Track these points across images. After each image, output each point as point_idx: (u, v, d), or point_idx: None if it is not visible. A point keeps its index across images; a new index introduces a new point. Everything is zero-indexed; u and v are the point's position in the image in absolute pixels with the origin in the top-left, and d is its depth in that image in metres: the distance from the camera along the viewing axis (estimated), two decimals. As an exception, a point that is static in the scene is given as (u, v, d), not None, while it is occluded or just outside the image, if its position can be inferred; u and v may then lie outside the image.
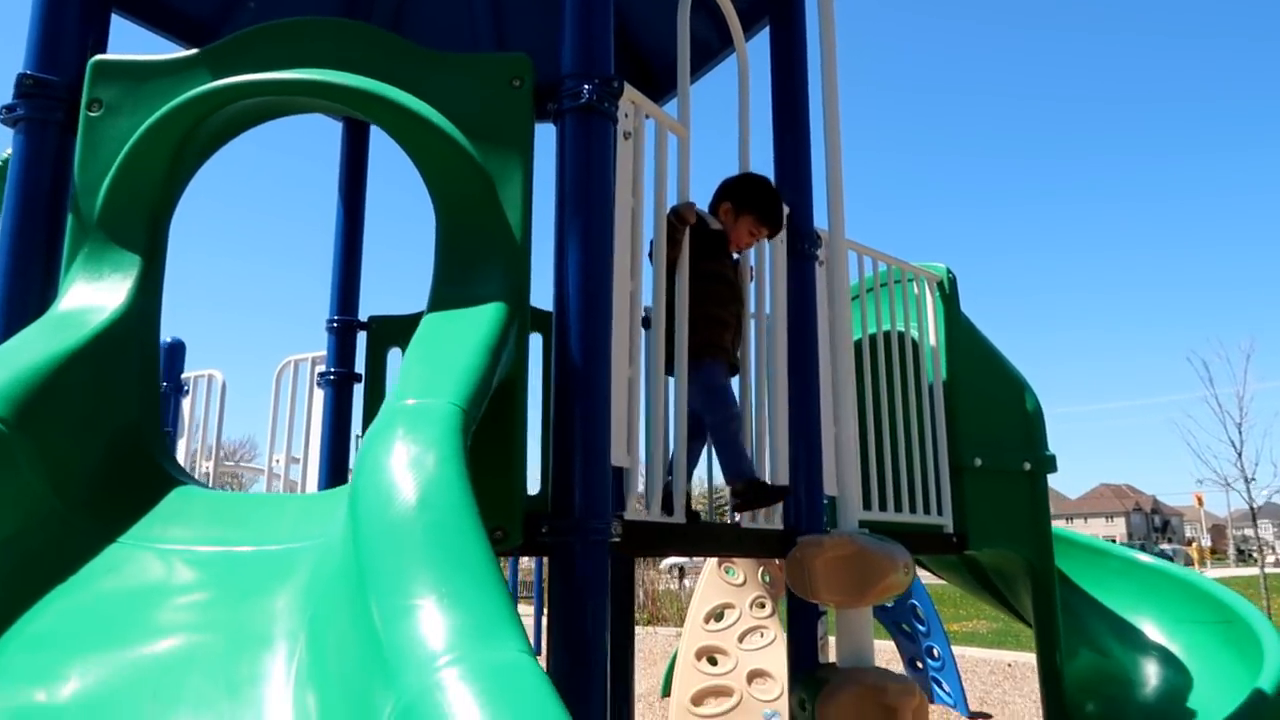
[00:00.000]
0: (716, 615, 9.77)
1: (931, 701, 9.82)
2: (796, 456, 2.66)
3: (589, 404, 1.92)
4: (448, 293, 1.91)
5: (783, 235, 2.82)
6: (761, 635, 9.46)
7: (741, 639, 9.45)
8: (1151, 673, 3.56)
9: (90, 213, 1.99)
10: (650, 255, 2.39)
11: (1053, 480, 3.66)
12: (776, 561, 10.19)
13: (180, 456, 5.40)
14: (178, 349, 5.47)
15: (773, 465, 2.68)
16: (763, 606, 9.75)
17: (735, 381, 2.73)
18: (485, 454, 1.88)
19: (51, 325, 1.86)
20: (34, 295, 2.03)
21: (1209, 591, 3.67)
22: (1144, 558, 3.98)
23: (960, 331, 3.55)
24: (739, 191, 2.74)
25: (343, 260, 3.93)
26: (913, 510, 3.25)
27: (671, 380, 2.36)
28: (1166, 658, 3.58)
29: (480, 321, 1.79)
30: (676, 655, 9.89)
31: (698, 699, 7.61)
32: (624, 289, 2.13)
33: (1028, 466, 3.52)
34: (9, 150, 2.21)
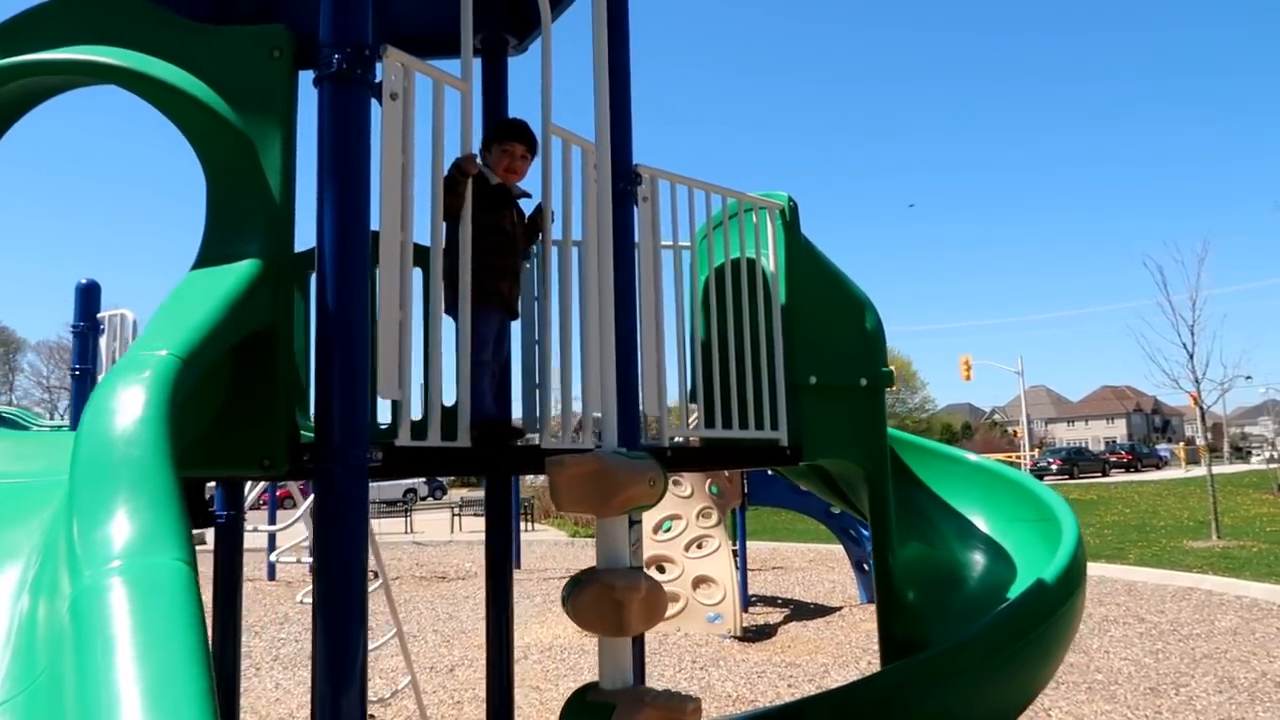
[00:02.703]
0: (664, 526, 10.23)
1: (873, 601, 10.31)
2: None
3: (345, 346, 2.16)
4: (210, 251, 2.14)
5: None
6: (705, 544, 9.92)
7: (687, 548, 9.93)
8: (977, 565, 3.88)
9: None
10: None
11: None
12: (725, 474, 10.59)
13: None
14: (93, 290, 5.68)
15: (584, 391, 2.95)
16: (708, 516, 10.19)
17: (517, 325, 2.99)
18: (248, 393, 2.13)
19: None
20: None
21: (1033, 492, 3.97)
22: (975, 459, 4.28)
23: (800, 256, 3.75)
24: (485, 136, 3.07)
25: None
26: (744, 426, 3.52)
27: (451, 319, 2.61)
28: (995, 552, 3.89)
29: (226, 279, 2.02)
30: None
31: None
32: (393, 239, 2.35)
33: (864, 382, 3.76)
34: None
